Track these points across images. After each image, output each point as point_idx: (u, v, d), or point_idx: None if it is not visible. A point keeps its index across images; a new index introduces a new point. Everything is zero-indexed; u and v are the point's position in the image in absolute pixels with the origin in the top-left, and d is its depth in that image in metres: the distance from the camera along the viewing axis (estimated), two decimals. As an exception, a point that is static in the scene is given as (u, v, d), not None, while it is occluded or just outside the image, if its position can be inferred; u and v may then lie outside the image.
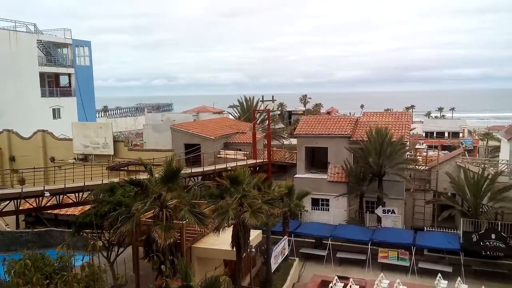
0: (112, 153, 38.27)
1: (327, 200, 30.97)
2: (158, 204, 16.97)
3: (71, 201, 25.27)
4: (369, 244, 25.45)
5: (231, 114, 59.91)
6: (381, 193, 28.71)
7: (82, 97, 52.96)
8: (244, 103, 56.60)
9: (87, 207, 23.03)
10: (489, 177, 27.22)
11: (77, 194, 25.01)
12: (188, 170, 27.71)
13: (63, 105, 52.21)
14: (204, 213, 17.53)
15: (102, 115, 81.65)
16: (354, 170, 29.50)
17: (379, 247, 25.71)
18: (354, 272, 24.95)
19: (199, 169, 29.73)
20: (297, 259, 25.70)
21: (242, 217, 17.95)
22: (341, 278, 22.71)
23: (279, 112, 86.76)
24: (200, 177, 29.03)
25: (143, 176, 19.31)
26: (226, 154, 34.20)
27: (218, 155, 34.04)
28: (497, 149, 49.27)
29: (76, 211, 27.54)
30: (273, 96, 42.00)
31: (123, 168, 30.69)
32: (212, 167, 30.46)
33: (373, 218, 29.42)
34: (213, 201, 19.26)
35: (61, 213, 29.92)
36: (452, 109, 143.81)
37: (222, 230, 18.00)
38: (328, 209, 30.93)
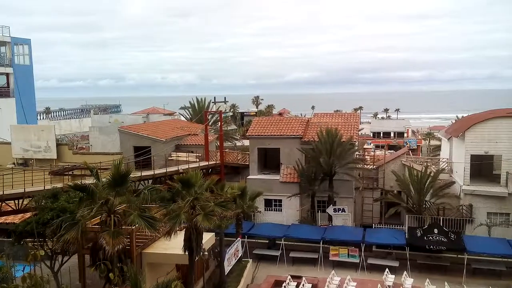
0: (55, 157, 36.40)
1: (280, 201, 31.25)
2: (106, 210, 16.31)
3: (10, 209, 23.72)
4: (321, 243, 25.94)
5: (183, 116, 59.08)
6: (332, 192, 29.38)
7: (21, 98, 49.91)
8: (196, 104, 56.03)
9: (28, 214, 21.71)
10: (431, 174, 28.64)
11: (16, 201, 23.52)
12: (138, 174, 26.88)
13: (0, 107, 48.98)
14: (155, 217, 17.07)
15: (44, 117, 77.68)
16: (306, 171, 29.98)
17: (330, 245, 26.27)
18: (307, 270, 25.33)
19: (150, 172, 28.98)
20: (250, 260, 25.70)
21: (194, 220, 17.70)
22: (294, 277, 22.96)
23: (231, 114, 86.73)
24: (150, 181, 28.28)
25: (89, 180, 18.50)
26: (178, 156, 33.58)
27: (169, 158, 33.36)
28: (438, 148, 52.01)
29: (16, 219, 25.84)
30: (225, 98, 42.02)
31: (67, 173, 29.28)
32: (163, 170, 29.80)
33: (325, 217, 30.04)
34: (165, 204, 18.77)
35: (0, 221, 27.98)
36: (397, 110, 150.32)
37: (174, 234, 17.64)
38: (281, 209, 31.23)
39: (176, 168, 29.95)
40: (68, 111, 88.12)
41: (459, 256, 24.70)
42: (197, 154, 34.36)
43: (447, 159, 34.43)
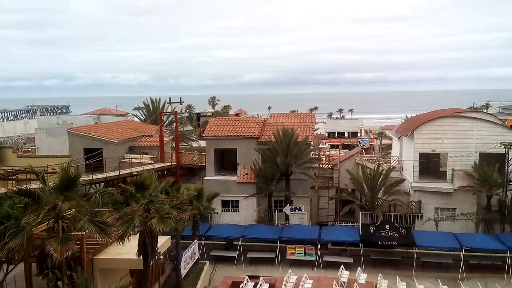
0: (-2, 161, 34.39)
1: (237, 201, 31.17)
2: (53, 215, 15.49)
3: None
4: (278, 242, 26.10)
5: (136, 117, 57.70)
6: (288, 192, 29.65)
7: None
8: (150, 105, 54.87)
9: (-32, 222, 20.24)
10: (383, 172, 29.63)
11: (-46, 209, 21.85)
12: (89, 177, 25.90)
13: None
14: (107, 222, 16.40)
15: (-16, 119, 73.18)
16: (263, 171, 30.09)
17: (287, 245, 26.50)
18: (264, 270, 25.40)
19: (101, 175, 27.98)
20: (207, 262, 25.45)
21: (149, 224, 17.23)
22: (251, 277, 22.93)
23: (187, 114, 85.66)
24: (102, 184, 27.30)
25: (35, 185, 17.53)
26: (132, 158, 32.66)
27: (122, 160, 32.38)
28: (389, 147, 53.98)
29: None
30: (180, 98, 41.22)
31: (11, 177, 27.69)
32: (116, 173, 28.88)
33: (282, 217, 30.28)
34: (118, 208, 18.10)
35: None
36: (351, 110, 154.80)
37: (128, 238, 17.05)
38: (238, 210, 31.16)
39: (130, 171, 29.13)
40: (12, 112, 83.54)
41: (409, 250, 25.69)
42: (152, 156, 33.61)
43: (398, 157, 35.81)
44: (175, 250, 22.24)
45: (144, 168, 29.18)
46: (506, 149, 27.68)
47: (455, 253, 24.92)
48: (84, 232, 16.39)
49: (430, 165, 32.14)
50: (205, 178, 32.24)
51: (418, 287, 21.91)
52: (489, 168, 27.97)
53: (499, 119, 36.03)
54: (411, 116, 50.30)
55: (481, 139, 29.65)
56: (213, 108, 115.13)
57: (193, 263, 23.75)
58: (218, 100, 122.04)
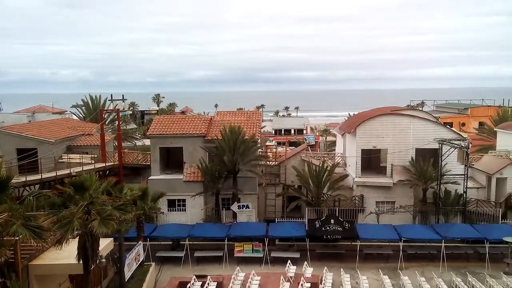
0: None
1: (184, 200, 30.63)
2: (-19, 221, 14.28)
3: None
4: (226, 240, 25.96)
5: (75, 115, 55.18)
6: (236, 189, 29.60)
7: None
8: (90, 102, 52.59)
9: None
10: (328, 169, 30.39)
11: None
12: (22, 179, 24.22)
13: None
14: (42, 226, 15.39)
15: None
16: (210, 169, 29.79)
17: (235, 242, 26.44)
18: (212, 269, 25.18)
19: (37, 177, 26.28)
20: (153, 263, 24.78)
21: (89, 226, 16.43)
22: (198, 277, 22.66)
23: (130, 112, 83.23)
24: (38, 186, 25.67)
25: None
26: (70, 158, 31.00)
27: (60, 160, 30.68)
28: (333, 143, 55.63)
29: None
30: (123, 95, 39.82)
31: None
32: (52, 174, 27.26)
33: (229, 214, 30.16)
34: (55, 211, 17.08)
35: None
36: (297, 108, 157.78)
37: (66, 242, 16.15)
38: (185, 209, 30.64)
39: (68, 171, 27.65)
40: None
41: (352, 243, 26.57)
42: (93, 156, 32.13)
43: (341, 153, 36.92)
44: (118, 252, 21.43)
45: (84, 169, 27.84)
46: (440, 145, 29.40)
47: (395, 244, 26.10)
48: (17, 237, 15.29)
49: (372, 161, 33.46)
50: (150, 177, 31.39)
51: (361, 278, 22.71)
52: (425, 163, 29.58)
53: (433, 116, 38.29)
54: (354, 114, 52.15)
55: (418, 135, 31.30)
56: (158, 105, 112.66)
57: (137, 265, 23.00)
58: (163, 97, 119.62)
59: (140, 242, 23.88)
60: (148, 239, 25.90)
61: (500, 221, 28.73)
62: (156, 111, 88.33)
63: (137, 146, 44.55)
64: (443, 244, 25.15)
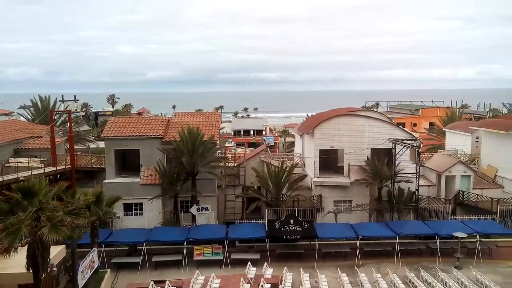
0: None
1: (141, 204, 29.86)
2: None
3: None
4: (185, 244, 25.52)
5: (23, 116, 52.42)
6: (195, 192, 29.21)
7: None
8: (39, 103, 50.19)
9: None
10: (287, 169, 30.64)
11: None
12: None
13: None
14: (-14, 234, 14.47)
15: None
16: (168, 171, 29.23)
17: (194, 245, 26.04)
18: (171, 274, 24.66)
19: (-19, 182, 24.69)
20: (108, 270, 23.97)
21: (39, 234, 15.68)
22: (157, 282, 22.13)
23: (83, 114, 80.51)
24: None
25: None
26: (17, 162, 29.34)
27: (7, 164, 29.04)
28: (292, 144, 56.24)
29: None
30: (75, 96, 38.38)
31: None
32: (-2, 179, 25.70)
33: (188, 217, 29.71)
34: (1, 218, 16.21)
35: None
36: (256, 109, 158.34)
37: (14, 251, 15.31)
38: (142, 213, 29.86)
39: (16, 176, 26.18)
40: None
41: (311, 242, 26.90)
42: (42, 159, 30.61)
43: (300, 154, 37.37)
44: (71, 260, 20.54)
45: (33, 173, 26.45)
46: (393, 145, 30.41)
47: (352, 242, 26.67)
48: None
49: (329, 161, 34.08)
50: (105, 181, 30.38)
51: (320, 277, 23.01)
52: (379, 162, 30.50)
53: (387, 117, 39.60)
54: (312, 115, 52.99)
55: (372, 135, 32.25)
56: (113, 106, 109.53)
57: (92, 272, 22.09)
58: (118, 98, 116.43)
59: (94, 248, 22.98)
60: (103, 245, 25.00)
61: (450, 217, 30.11)
62: (111, 112, 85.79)
63: (90, 149, 42.93)
64: (397, 241, 25.98)
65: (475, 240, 26.05)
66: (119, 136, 30.90)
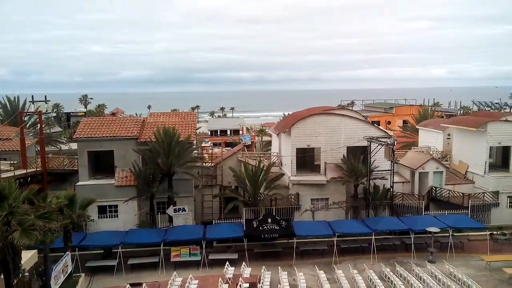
0: None
1: (116, 206, 29.30)
2: None
3: None
4: (162, 245, 25.18)
5: (-10, 118, 50.71)
6: (171, 192, 28.85)
7: None
8: (8, 104, 48.71)
9: None
10: (264, 168, 30.66)
11: None
12: None
13: None
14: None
15: None
16: (143, 172, 28.77)
17: (171, 247, 25.74)
18: (148, 276, 24.31)
19: None
20: (83, 274, 23.48)
21: (10, 238, 15.22)
22: (133, 285, 21.81)
23: (55, 114, 78.61)
24: None
25: None
26: (-14, 165, 28.39)
27: (-26, 167, 27.97)
28: (269, 143, 56.33)
29: None
30: (46, 96, 37.28)
31: None
32: (-35, 182, 24.71)
33: (165, 219, 29.32)
34: (-32, 224, 15.53)
35: None
36: (232, 108, 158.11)
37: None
38: (117, 215, 29.30)
39: (-16, 179, 25.24)
40: None
41: (289, 241, 27.00)
42: (12, 162, 29.67)
43: (277, 153, 37.48)
44: (44, 264, 19.96)
45: (2, 176, 25.62)
46: (368, 142, 30.86)
47: (329, 239, 26.91)
48: None
49: (306, 159, 34.31)
50: (78, 183, 29.67)
51: (298, 275, 23.12)
52: (355, 160, 30.89)
53: (362, 115, 40.17)
54: (288, 114, 53.23)
55: (348, 133, 32.66)
56: (86, 107, 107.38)
57: (65, 277, 21.54)
58: (91, 98, 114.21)
59: (67, 252, 22.41)
60: (76, 249, 24.41)
61: (423, 213, 30.79)
62: (83, 113, 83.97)
63: (62, 151, 41.86)
64: (373, 237, 26.38)
65: (448, 234, 26.73)
66: (92, 137, 30.24)
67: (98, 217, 28.88)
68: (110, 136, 30.33)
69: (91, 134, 30.50)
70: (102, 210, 29.10)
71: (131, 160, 29.28)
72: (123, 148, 30.21)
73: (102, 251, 26.43)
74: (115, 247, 25.31)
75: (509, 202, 32.77)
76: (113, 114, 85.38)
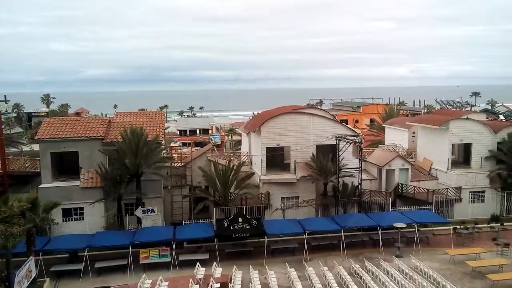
0: None
1: (81, 209, 28.47)
2: None
3: None
4: (130, 247, 24.61)
5: None
6: (140, 193, 28.29)
7: None
8: (-35, 104, 46.41)
9: None
10: (234, 168, 30.52)
11: None
12: None
13: None
14: None
15: None
16: (110, 173, 28.08)
17: (140, 249, 25.21)
18: (116, 279, 23.71)
19: None
20: (47, 279, 22.65)
21: (-34, 245, 14.34)
22: (101, 289, 21.16)
23: (15, 115, 75.65)
24: None
25: None
26: None
27: None
28: (239, 142, 56.17)
29: None
30: (5, 96, 35.71)
31: None
32: None
33: (133, 220, 28.73)
34: None
35: None
36: (201, 108, 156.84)
37: None
38: (83, 218, 28.45)
39: None
40: None
41: (260, 240, 27.00)
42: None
43: (247, 152, 37.41)
44: (6, 270, 19.13)
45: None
46: (337, 141, 31.28)
47: (300, 237, 27.11)
48: None
49: (276, 158, 34.41)
50: (41, 186, 28.64)
51: (269, 273, 23.15)
52: (324, 158, 31.24)
53: (331, 114, 40.71)
54: (258, 113, 53.24)
55: (317, 132, 32.97)
56: (48, 107, 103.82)
57: (29, 282, 20.71)
58: (54, 98, 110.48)
59: (31, 257, 21.55)
60: (40, 254, 23.52)
61: (390, 209, 31.53)
62: (46, 113, 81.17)
63: (24, 152, 40.23)
64: (342, 234, 26.75)
65: (414, 229, 27.47)
66: (55, 138, 29.24)
67: (63, 220, 27.96)
68: (75, 137, 29.43)
69: (54, 134, 29.48)
70: (67, 213, 28.20)
71: (97, 161, 28.51)
72: (88, 149, 29.37)
73: (68, 255, 25.59)
74: (81, 251, 24.53)
75: (471, 197, 34.07)
76: (77, 114, 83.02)
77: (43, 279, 22.46)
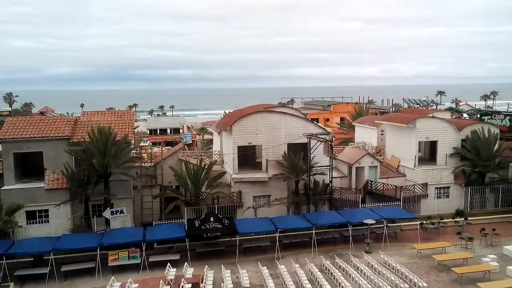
0: None
1: (46, 211, 27.54)
2: None
3: None
4: (98, 250, 23.97)
5: None
6: (108, 194, 27.66)
7: None
8: None
9: None
10: (206, 167, 30.27)
11: None
12: None
13: None
14: None
15: None
16: (77, 174, 27.32)
17: (109, 251, 24.61)
18: (83, 283, 23.09)
19: None
20: (12, 284, 21.87)
21: None
22: (68, 294, 20.50)
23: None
24: None
25: None
26: None
27: None
28: (211, 141, 55.77)
29: None
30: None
31: None
32: None
33: (102, 222, 28.04)
34: None
35: None
36: (172, 107, 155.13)
37: None
38: (48, 220, 27.53)
39: None
40: None
41: (232, 239, 26.89)
42: None
43: (219, 151, 37.20)
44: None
45: None
46: (308, 139, 31.53)
47: (272, 235, 27.15)
48: None
49: (248, 157, 34.36)
50: (3, 187, 27.56)
51: (241, 272, 23.07)
52: (296, 156, 31.44)
53: (302, 113, 41.03)
54: (229, 112, 53.06)
55: (289, 131, 33.14)
56: (11, 106, 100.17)
57: (-9, 289, 19.86)
58: (17, 96, 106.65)
59: (-7, 262, 20.67)
60: (3, 257, 22.61)
61: (360, 206, 32.07)
62: (8, 112, 78.22)
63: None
64: (313, 231, 26.99)
65: (383, 225, 28.04)
66: (18, 138, 28.16)
67: (27, 223, 27.00)
68: (39, 137, 28.43)
69: (17, 134, 28.41)
70: (31, 216, 27.24)
71: (63, 162, 27.64)
72: (53, 149, 28.44)
73: (32, 258, 24.69)
74: (47, 254, 23.73)
75: (437, 193, 35.10)
76: (41, 113, 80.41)
77: (7, 284, 21.74)
